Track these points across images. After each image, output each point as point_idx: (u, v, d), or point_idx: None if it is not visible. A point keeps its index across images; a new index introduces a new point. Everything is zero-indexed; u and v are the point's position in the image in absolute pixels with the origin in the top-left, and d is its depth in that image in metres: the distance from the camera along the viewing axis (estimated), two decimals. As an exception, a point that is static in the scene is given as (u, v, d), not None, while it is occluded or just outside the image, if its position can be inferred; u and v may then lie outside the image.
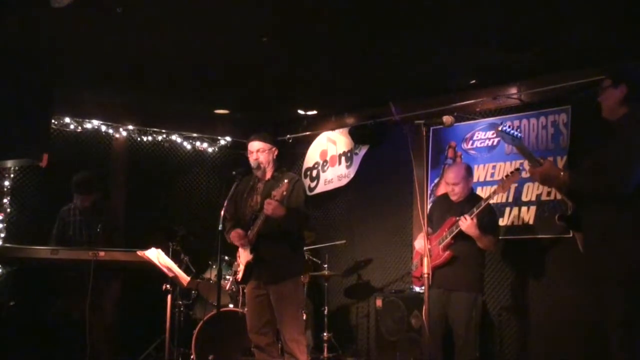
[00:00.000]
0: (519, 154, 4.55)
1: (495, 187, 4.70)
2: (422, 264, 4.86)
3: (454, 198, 4.83)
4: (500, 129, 3.46)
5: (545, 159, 3.43)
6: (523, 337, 5.48)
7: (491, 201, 5.76)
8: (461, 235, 4.57)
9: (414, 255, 5.06)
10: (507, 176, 4.62)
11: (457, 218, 4.57)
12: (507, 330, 5.59)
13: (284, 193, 4.13)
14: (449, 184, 4.84)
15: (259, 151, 4.44)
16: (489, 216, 4.71)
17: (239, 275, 4.49)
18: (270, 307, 4.32)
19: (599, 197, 3.15)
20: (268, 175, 4.48)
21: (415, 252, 5.03)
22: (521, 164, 5.53)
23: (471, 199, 4.79)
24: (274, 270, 4.30)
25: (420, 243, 4.88)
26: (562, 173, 3.34)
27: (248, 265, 4.39)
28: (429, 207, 5.22)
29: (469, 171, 4.94)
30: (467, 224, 4.52)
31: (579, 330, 5.06)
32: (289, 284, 4.31)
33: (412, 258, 5.17)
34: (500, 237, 5.67)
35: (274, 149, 4.50)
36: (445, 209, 4.85)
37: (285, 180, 4.16)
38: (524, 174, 5.14)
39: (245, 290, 4.77)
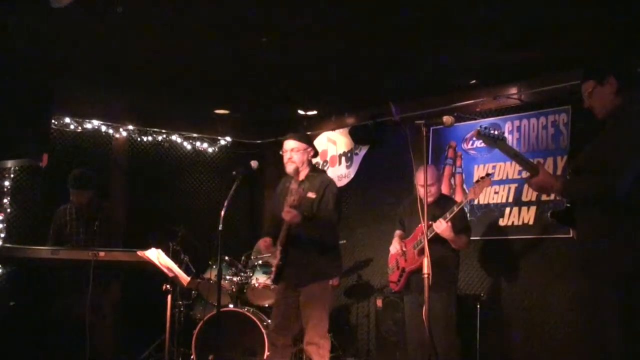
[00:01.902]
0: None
1: (469, 189, 4.71)
2: (397, 268, 4.93)
3: (430, 199, 4.70)
4: (479, 131, 3.31)
5: (538, 162, 3.36)
6: (524, 336, 5.48)
7: (491, 201, 5.81)
8: (435, 238, 4.56)
9: (389, 259, 5.06)
10: (477, 182, 4.68)
11: (431, 222, 4.55)
12: (507, 330, 5.59)
13: (314, 197, 4.13)
14: (429, 185, 4.61)
15: (292, 150, 4.37)
16: (461, 218, 4.78)
17: (272, 276, 4.52)
18: (296, 310, 4.29)
19: (594, 201, 3.14)
20: (302, 176, 4.41)
21: (390, 256, 5.03)
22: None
23: (440, 201, 4.84)
24: (301, 273, 4.28)
25: (395, 247, 4.94)
26: (556, 182, 3.29)
27: (278, 267, 4.38)
28: (400, 209, 5.24)
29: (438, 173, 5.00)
30: (442, 227, 4.54)
31: (580, 329, 5.07)
32: (316, 286, 4.25)
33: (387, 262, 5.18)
34: (500, 237, 5.71)
35: (309, 149, 4.43)
36: (417, 212, 4.81)
37: (317, 184, 4.16)
38: (523, 175, 5.14)
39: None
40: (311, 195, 4.27)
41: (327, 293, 4.39)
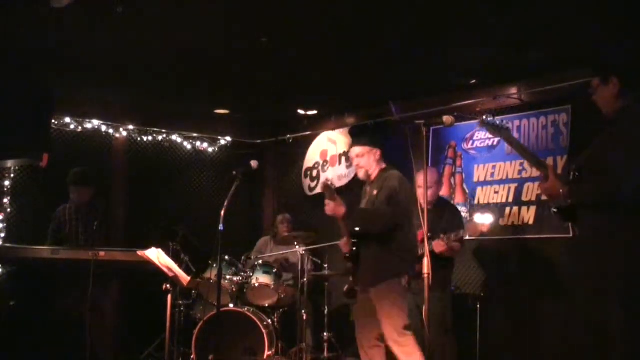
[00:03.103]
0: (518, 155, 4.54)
1: (467, 225, 4.86)
2: None
3: (429, 200, 4.71)
4: (483, 121, 3.36)
5: (548, 165, 3.36)
6: (523, 336, 5.48)
7: (491, 201, 5.81)
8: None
9: None
10: (478, 222, 4.70)
11: (429, 234, 4.45)
12: (507, 330, 5.59)
13: (376, 194, 4.16)
14: (429, 187, 4.58)
15: (358, 156, 4.38)
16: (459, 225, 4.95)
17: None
18: (371, 309, 4.20)
19: (599, 205, 3.14)
20: (373, 177, 4.39)
21: None
22: (521, 164, 5.55)
23: (438, 205, 4.95)
24: (365, 274, 4.26)
25: None
26: (563, 188, 3.29)
27: (352, 268, 4.40)
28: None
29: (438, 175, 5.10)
30: (442, 249, 4.71)
31: (578, 329, 5.06)
32: (382, 286, 4.16)
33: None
34: (500, 237, 5.71)
35: (374, 150, 4.38)
36: (415, 214, 4.83)
37: (381, 181, 4.21)
38: (524, 175, 5.13)
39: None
40: (375, 192, 4.27)
41: (395, 291, 4.15)
